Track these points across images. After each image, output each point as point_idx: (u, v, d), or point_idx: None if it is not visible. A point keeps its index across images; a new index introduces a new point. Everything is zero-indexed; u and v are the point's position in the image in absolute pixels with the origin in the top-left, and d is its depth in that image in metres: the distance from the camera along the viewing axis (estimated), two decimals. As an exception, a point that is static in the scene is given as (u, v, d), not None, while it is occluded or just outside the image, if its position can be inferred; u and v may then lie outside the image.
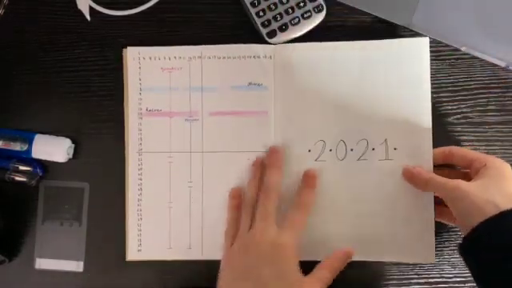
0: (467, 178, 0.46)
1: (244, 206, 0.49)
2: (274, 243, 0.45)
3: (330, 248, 0.48)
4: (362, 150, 0.50)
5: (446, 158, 0.48)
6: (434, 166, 0.49)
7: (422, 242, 0.49)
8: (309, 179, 0.49)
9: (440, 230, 0.51)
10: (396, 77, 0.50)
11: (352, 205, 0.50)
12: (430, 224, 0.49)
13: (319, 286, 0.44)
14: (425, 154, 0.49)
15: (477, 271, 0.42)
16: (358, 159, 0.50)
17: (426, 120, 0.50)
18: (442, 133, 0.52)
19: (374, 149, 0.50)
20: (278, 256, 0.44)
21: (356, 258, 0.49)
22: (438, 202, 0.48)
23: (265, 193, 0.48)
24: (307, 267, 0.50)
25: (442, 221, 0.49)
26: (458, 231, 0.51)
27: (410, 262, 0.50)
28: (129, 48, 0.52)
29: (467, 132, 0.52)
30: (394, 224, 0.49)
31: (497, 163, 0.45)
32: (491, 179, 0.43)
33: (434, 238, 0.49)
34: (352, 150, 0.50)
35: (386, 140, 0.50)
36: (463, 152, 0.48)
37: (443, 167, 0.49)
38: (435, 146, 0.50)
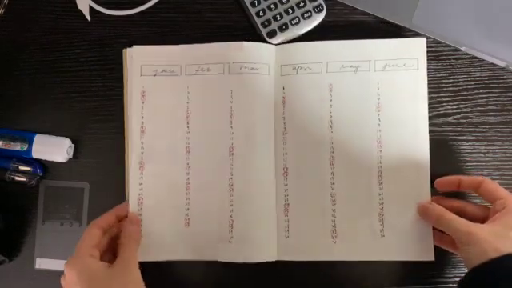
0: (481, 212, 0.47)
1: None
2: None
3: (326, 248, 0.49)
4: (362, 151, 0.50)
5: (476, 187, 0.47)
6: (452, 193, 0.49)
7: (421, 240, 0.49)
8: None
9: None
10: (394, 76, 0.50)
11: (351, 205, 0.50)
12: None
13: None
14: (422, 156, 0.50)
15: None
16: (357, 159, 0.50)
17: (423, 122, 0.50)
18: (442, 133, 0.52)
19: (372, 148, 0.50)
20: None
21: (356, 258, 0.49)
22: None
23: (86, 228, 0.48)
24: (305, 267, 0.51)
25: (442, 246, 0.49)
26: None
27: (410, 260, 0.50)
28: (134, 47, 0.52)
29: (467, 132, 0.52)
30: (393, 223, 0.49)
31: None
32: (506, 227, 0.43)
33: (432, 236, 0.49)
34: (351, 149, 0.50)
35: (383, 140, 0.50)
36: (492, 187, 0.46)
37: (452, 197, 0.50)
38: (434, 146, 0.50)
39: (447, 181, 0.49)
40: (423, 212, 0.48)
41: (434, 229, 0.49)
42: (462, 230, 0.43)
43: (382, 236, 0.49)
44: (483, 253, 0.41)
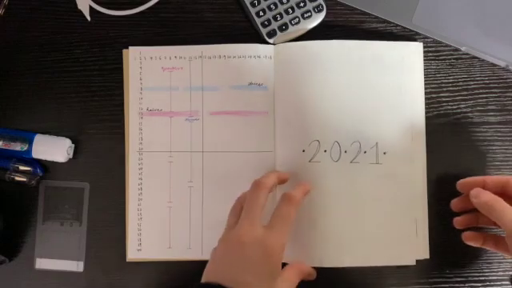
0: None
1: (234, 206, 0.47)
2: (260, 244, 0.42)
3: (320, 251, 0.49)
4: (355, 153, 0.50)
5: (504, 188, 0.45)
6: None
7: (417, 240, 0.50)
8: (305, 183, 0.48)
9: (439, 229, 0.51)
10: (391, 78, 0.51)
11: (344, 208, 0.50)
12: (424, 222, 0.50)
13: None
14: (417, 159, 0.50)
15: None
16: (351, 161, 0.50)
17: (419, 125, 0.51)
18: (442, 133, 0.52)
19: (365, 152, 0.50)
20: (263, 259, 0.41)
21: (346, 263, 0.49)
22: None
23: (252, 190, 0.45)
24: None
25: (498, 251, 0.48)
26: (457, 231, 0.51)
27: (402, 264, 0.50)
28: (130, 48, 0.52)
29: (467, 132, 0.52)
30: (386, 227, 0.50)
31: None
32: None
33: (427, 235, 0.50)
34: (346, 151, 0.50)
35: (376, 144, 0.50)
36: None
37: None
38: (434, 146, 0.50)
39: (471, 182, 0.47)
40: (475, 196, 0.45)
41: (487, 235, 0.48)
42: (508, 218, 0.42)
43: (379, 239, 0.49)
44: None
